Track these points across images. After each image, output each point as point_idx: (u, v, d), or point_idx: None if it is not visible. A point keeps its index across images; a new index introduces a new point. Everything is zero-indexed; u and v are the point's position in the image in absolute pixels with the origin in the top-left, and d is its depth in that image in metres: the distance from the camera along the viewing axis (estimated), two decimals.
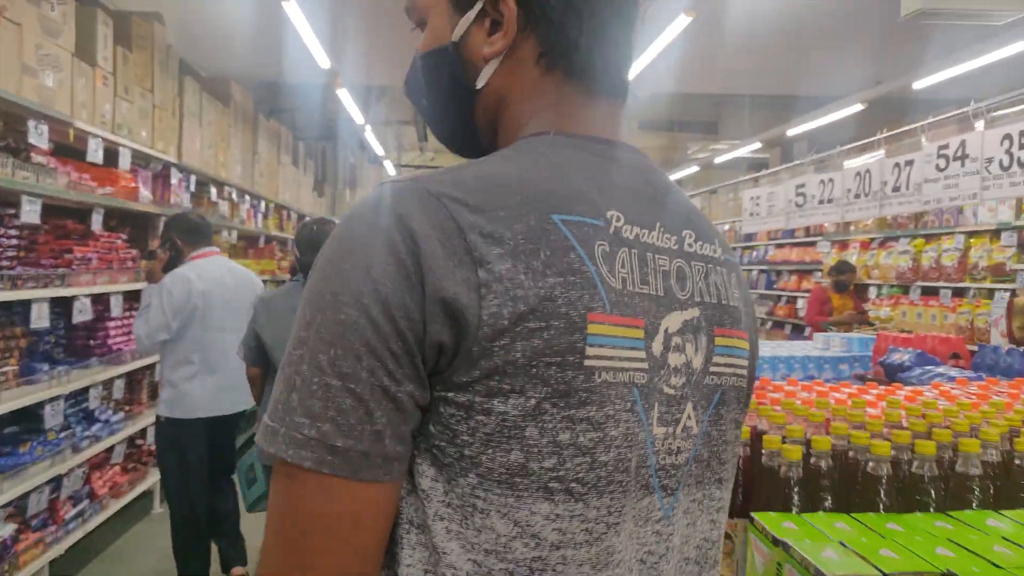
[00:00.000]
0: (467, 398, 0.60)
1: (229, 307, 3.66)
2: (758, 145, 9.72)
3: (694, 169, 11.64)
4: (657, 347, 0.66)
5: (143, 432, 4.87)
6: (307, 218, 4.63)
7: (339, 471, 0.58)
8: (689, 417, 0.69)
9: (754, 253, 10.94)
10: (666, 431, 0.67)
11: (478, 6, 0.72)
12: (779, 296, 9.96)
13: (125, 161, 4.24)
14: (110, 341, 4.36)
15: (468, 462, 0.60)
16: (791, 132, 8.75)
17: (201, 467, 3.56)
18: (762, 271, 10.58)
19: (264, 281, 6.87)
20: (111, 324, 4.37)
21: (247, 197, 6.92)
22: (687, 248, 0.72)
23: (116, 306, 4.23)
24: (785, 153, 9.99)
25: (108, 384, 4.32)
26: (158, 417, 3.66)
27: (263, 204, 7.47)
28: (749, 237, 10.88)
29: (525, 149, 0.69)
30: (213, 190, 5.95)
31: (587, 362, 0.61)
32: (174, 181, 5.03)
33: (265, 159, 7.54)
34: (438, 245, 0.59)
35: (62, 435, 3.90)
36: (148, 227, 4.82)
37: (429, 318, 0.59)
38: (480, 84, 0.74)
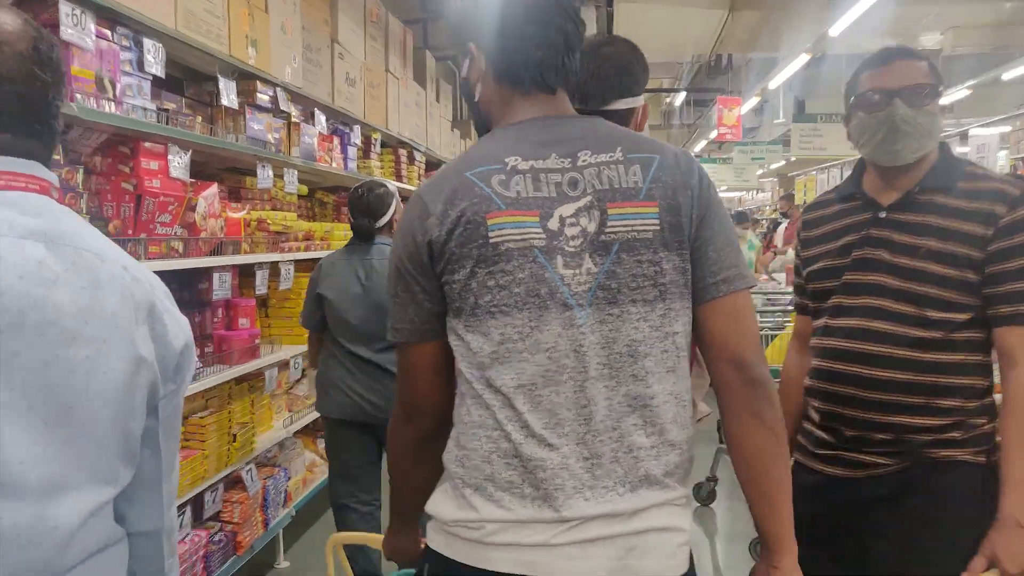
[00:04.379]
0: (445, 277, 1.16)
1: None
2: None
3: None
4: (554, 224, 1.14)
5: None
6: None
7: (405, 339, 1.25)
8: (589, 262, 1.14)
9: None
10: (573, 272, 1.13)
11: (469, 54, 1.27)
12: None
13: None
14: None
15: (457, 307, 1.17)
16: None
17: None
18: None
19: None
20: None
21: (322, 116, 3.99)
22: (580, 163, 1.17)
23: None
24: None
25: None
26: None
27: (357, 132, 4.54)
28: None
29: (477, 143, 1.27)
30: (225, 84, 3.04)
31: (491, 240, 1.13)
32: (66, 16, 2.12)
33: (361, 61, 4.59)
34: (417, 214, 1.18)
35: None
36: None
37: (421, 248, 1.18)
38: (476, 98, 1.28)
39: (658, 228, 1.14)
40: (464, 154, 1.23)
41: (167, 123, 2.68)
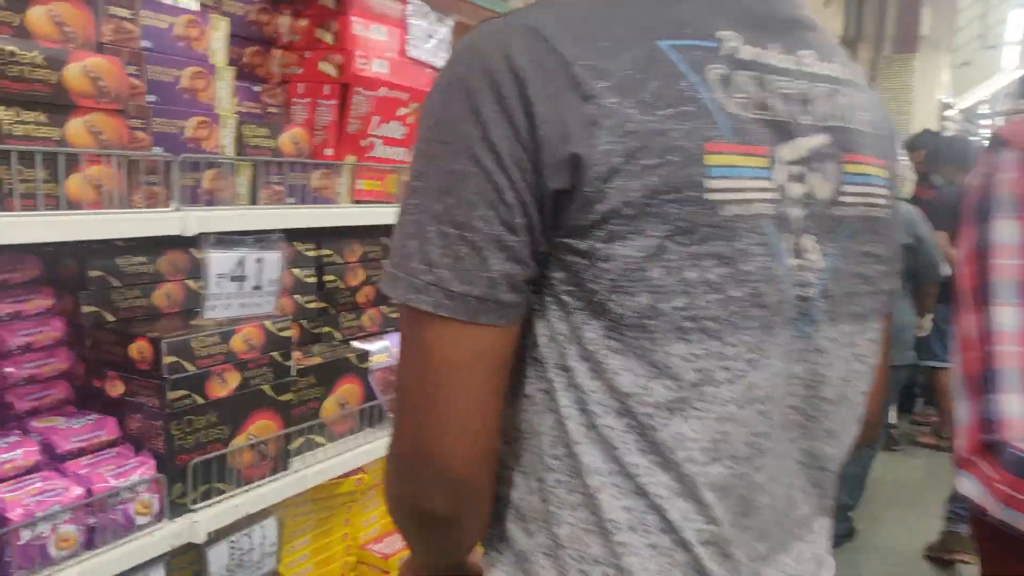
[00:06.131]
0: (588, 244, 0.61)
1: None
2: None
3: None
4: (780, 176, 0.66)
5: None
6: None
7: (458, 315, 0.62)
8: (809, 251, 0.68)
9: None
10: (798, 263, 0.67)
11: None
12: None
13: None
14: None
15: (598, 307, 0.62)
16: None
17: None
18: None
19: None
20: None
21: None
22: (806, 68, 0.69)
23: None
24: None
25: None
26: None
27: None
28: None
29: None
30: None
31: (709, 195, 0.61)
32: None
33: None
34: (543, 83, 0.59)
35: None
36: None
37: (541, 165, 0.60)
38: None
39: (887, 203, 0.75)
40: None
41: None
